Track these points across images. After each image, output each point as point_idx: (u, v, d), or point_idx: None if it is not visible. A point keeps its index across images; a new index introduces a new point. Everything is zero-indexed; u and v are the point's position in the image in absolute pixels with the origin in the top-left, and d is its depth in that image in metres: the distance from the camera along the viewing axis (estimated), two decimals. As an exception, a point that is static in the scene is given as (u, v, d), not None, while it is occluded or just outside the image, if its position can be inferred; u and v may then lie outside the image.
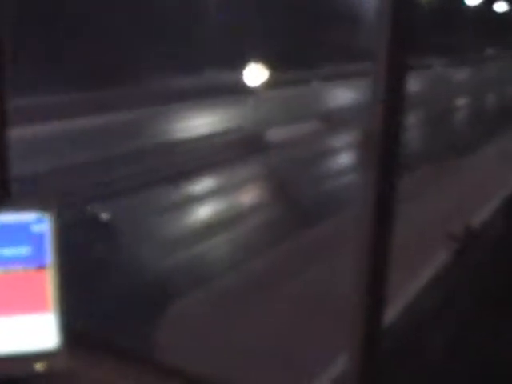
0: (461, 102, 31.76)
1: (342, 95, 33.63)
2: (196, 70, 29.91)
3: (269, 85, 21.55)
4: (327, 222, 11.60)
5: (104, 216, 9.34)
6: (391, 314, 7.01)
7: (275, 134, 19.69)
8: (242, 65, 21.33)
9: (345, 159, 18.37)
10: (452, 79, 37.40)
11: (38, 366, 1.78)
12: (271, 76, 22.85)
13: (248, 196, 14.11)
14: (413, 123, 21.56)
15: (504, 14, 47.95)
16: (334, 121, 23.92)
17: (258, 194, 14.36)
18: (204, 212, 12.43)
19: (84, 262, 8.48)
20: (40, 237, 1.83)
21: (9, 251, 1.80)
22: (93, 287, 8.09)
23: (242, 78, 20.13)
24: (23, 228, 1.83)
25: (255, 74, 19.43)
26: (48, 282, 1.83)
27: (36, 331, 1.82)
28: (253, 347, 6.98)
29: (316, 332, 7.19)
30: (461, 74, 39.10)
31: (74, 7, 23.53)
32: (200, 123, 22.50)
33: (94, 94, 23.62)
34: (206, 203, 13.01)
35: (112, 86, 24.99)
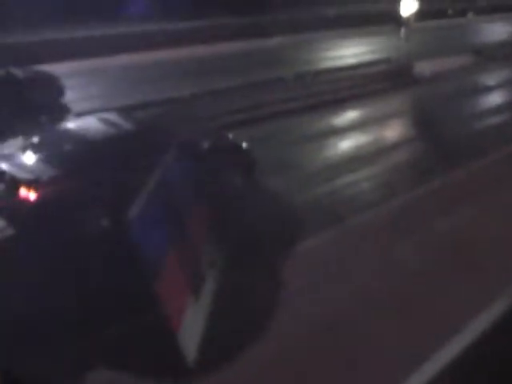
0: None
1: (499, 29, 31.69)
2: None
3: (422, 15, 20.53)
4: (473, 164, 10.98)
5: (244, 144, 9.24)
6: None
7: (425, 68, 18.85)
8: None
9: (497, 98, 17.29)
10: None
11: None
12: (425, 6, 21.70)
13: (392, 131, 13.57)
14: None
15: None
16: (488, 56, 22.62)
17: (402, 130, 13.78)
18: (345, 146, 12.06)
19: (223, 190, 8.50)
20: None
21: None
22: (228, 217, 8.10)
23: (395, 7, 19.25)
24: None
25: (408, 4, 18.51)
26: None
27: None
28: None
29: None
30: None
31: None
32: (347, 53, 21.96)
33: (239, 20, 23.59)
34: (347, 136, 12.63)
35: (259, 13, 24.81)
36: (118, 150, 7.75)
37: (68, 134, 8.21)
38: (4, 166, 7.35)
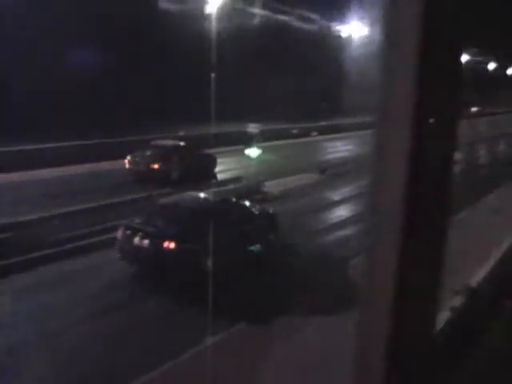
0: None
1: (340, 148, 33.63)
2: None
3: (269, 135, 21.24)
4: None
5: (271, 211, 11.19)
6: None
7: (274, 186, 19.46)
8: None
9: (342, 212, 18.09)
10: None
11: None
12: (271, 127, 22.62)
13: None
14: None
15: None
16: (332, 173, 23.76)
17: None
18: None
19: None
20: None
21: None
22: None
23: (242, 128, 19.96)
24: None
25: (254, 125, 19.33)
26: None
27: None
28: None
29: None
30: None
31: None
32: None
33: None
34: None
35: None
36: (209, 216, 10.97)
37: (178, 204, 12.53)
38: (146, 228, 11.34)
